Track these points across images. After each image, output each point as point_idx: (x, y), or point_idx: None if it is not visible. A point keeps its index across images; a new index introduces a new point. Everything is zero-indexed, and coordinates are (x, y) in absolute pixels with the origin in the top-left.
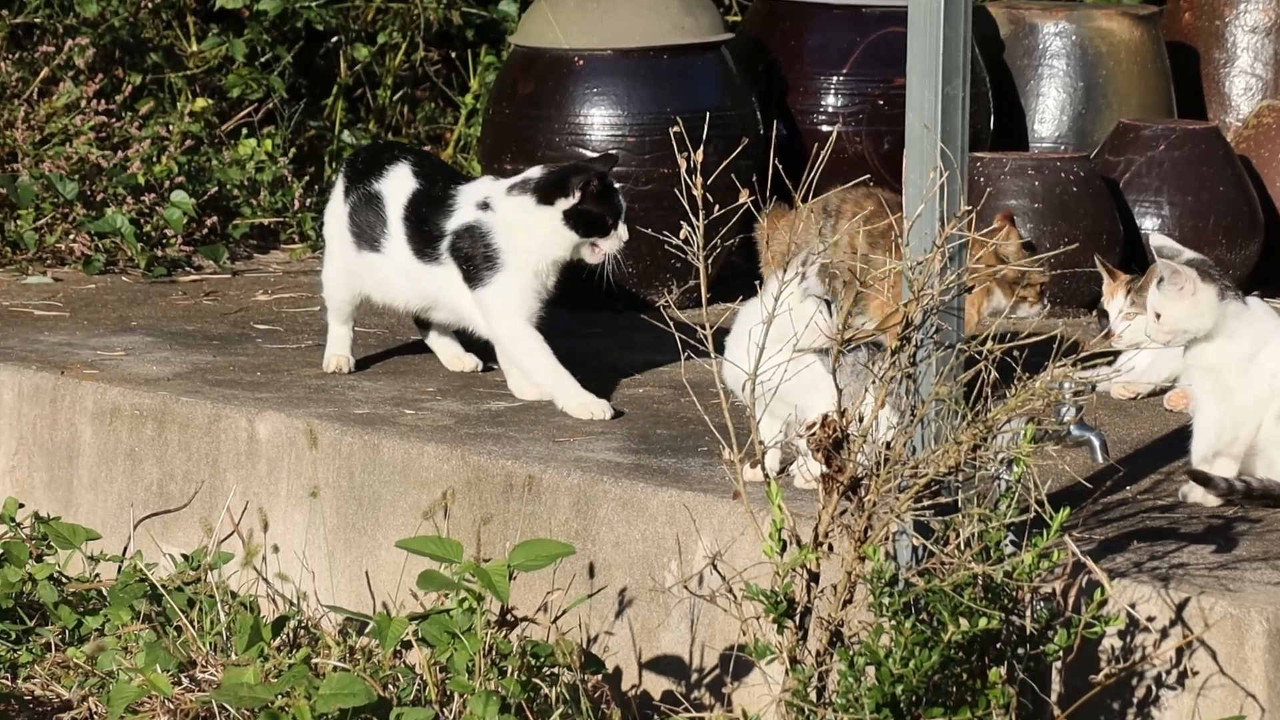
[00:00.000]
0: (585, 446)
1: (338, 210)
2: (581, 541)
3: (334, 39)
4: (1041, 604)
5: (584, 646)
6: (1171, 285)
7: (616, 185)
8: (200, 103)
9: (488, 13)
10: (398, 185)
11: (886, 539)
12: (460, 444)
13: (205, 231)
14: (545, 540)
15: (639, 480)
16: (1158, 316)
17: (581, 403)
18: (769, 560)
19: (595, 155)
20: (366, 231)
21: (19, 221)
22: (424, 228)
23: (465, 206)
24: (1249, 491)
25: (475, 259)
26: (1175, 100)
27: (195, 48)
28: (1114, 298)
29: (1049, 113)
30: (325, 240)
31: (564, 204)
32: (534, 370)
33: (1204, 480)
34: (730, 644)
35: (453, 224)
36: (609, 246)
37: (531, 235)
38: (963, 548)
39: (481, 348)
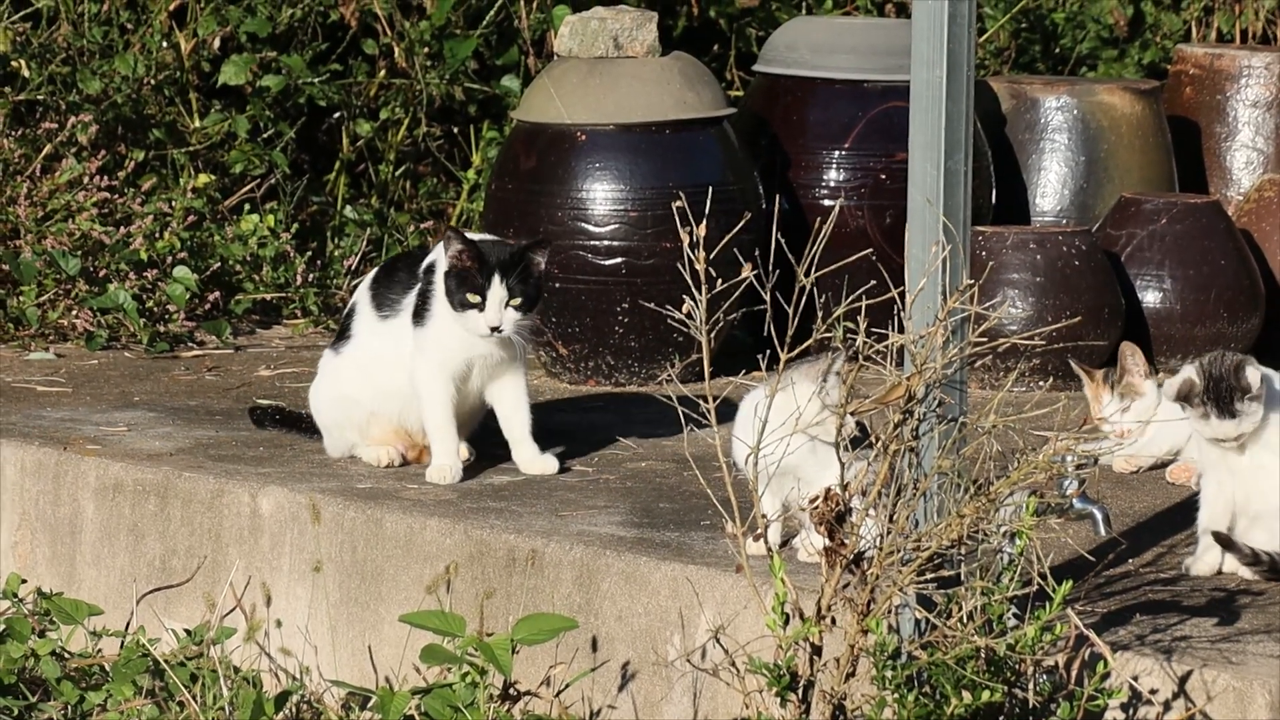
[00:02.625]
0: (588, 520)
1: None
2: (584, 615)
3: (336, 115)
4: (1044, 677)
5: None
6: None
7: (530, 262)
8: (203, 179)
9: (490, 88)
10: None
11: (889, 612)
12: (463, 518)
13: (208, 307)
14: (548, 614)
15: (642, 554)
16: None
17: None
18: (772, 633)
19: (597, 230)
20: None
21: (22, 297)
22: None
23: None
24: (1273, 562)
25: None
26: (1177, 174)
27: (198, 124)
28: (1100, 399)
29: (1050, 186)
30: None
31: (442, 266)
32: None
33: (1227, 544)
34: (733, 718)
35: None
36: (484, 319)
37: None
38: (965, 621)
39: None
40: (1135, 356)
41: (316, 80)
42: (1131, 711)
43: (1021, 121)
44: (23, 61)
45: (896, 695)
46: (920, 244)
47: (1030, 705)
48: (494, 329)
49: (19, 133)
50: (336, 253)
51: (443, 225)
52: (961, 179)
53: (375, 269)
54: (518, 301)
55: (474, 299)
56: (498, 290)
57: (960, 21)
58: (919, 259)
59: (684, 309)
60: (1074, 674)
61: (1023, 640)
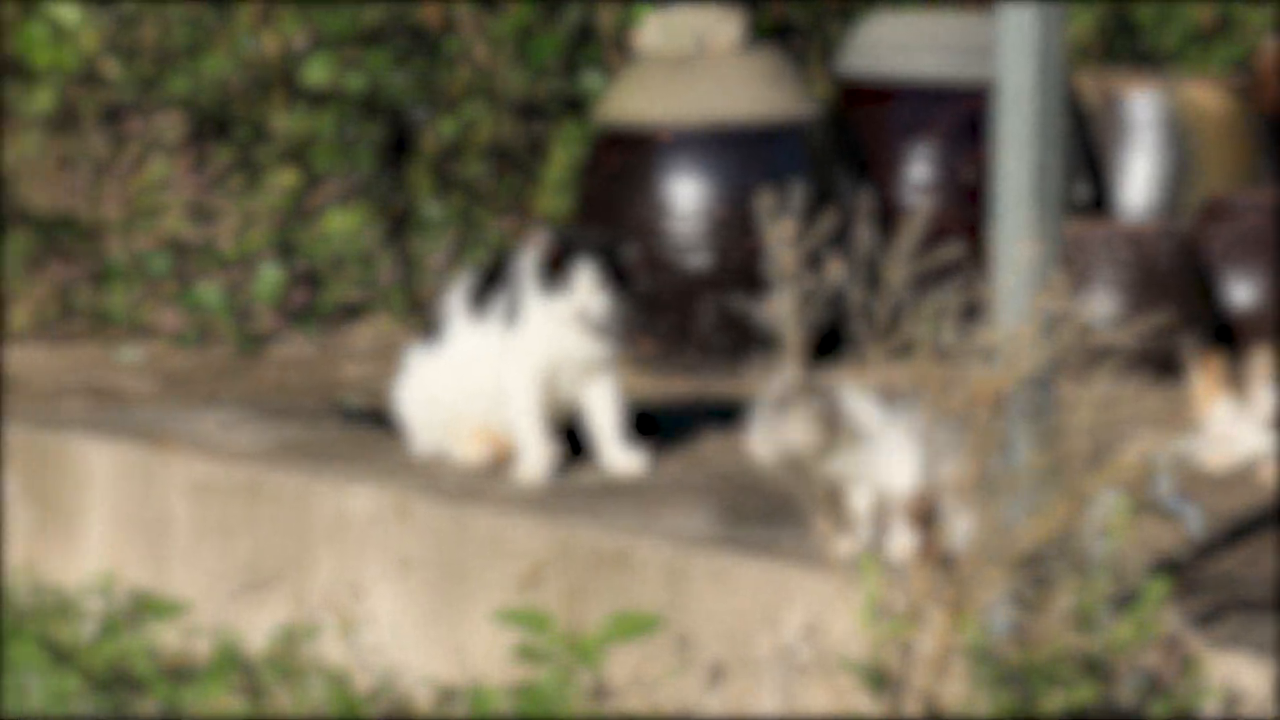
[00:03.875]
0: (675, 519)
1: None
2: (673, 613)
3: (419, 113)
4: (1138, 676)
5: (676, 718)
6: None
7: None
8: (288, 177)
9: (572, 86)
10: None
11: (981, 610)
12: (551, 517)
13: (294, 305)
14: (637, 612)
15: (730, 552)
16: None
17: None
18: (863, 632)
19: (681, 227)
20: None
21: (110, 297)
22: None
23: None
24: None
25: None
26: (1267, 171)
27: (283, 123)
28: (1211, 397)
29: (1138, 183)
30: None
31: (531, 264)
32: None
33: None
34: (823, 716)
35: None
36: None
37: None
38: (1059, 619)
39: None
40: (1265, 361)
41: (399, 79)
42: (1227, 711)
43: (1109, 117)
44: (111, 61)
45: (989, 694)
46: (1009, 241)
47: (1125, 705)
48: (585, 321)
49: (107, 133)
50: (421, 251)
51: (527, 223)
52: (1052, 176)
53: (466, 270)
54: (607, 295)
55: (563, 292)
56: (587, 282)
57: (1049, 16)
58: (1009, 256)
59: (769, 306)
60: (1168, 673)
61: (1117, 639)
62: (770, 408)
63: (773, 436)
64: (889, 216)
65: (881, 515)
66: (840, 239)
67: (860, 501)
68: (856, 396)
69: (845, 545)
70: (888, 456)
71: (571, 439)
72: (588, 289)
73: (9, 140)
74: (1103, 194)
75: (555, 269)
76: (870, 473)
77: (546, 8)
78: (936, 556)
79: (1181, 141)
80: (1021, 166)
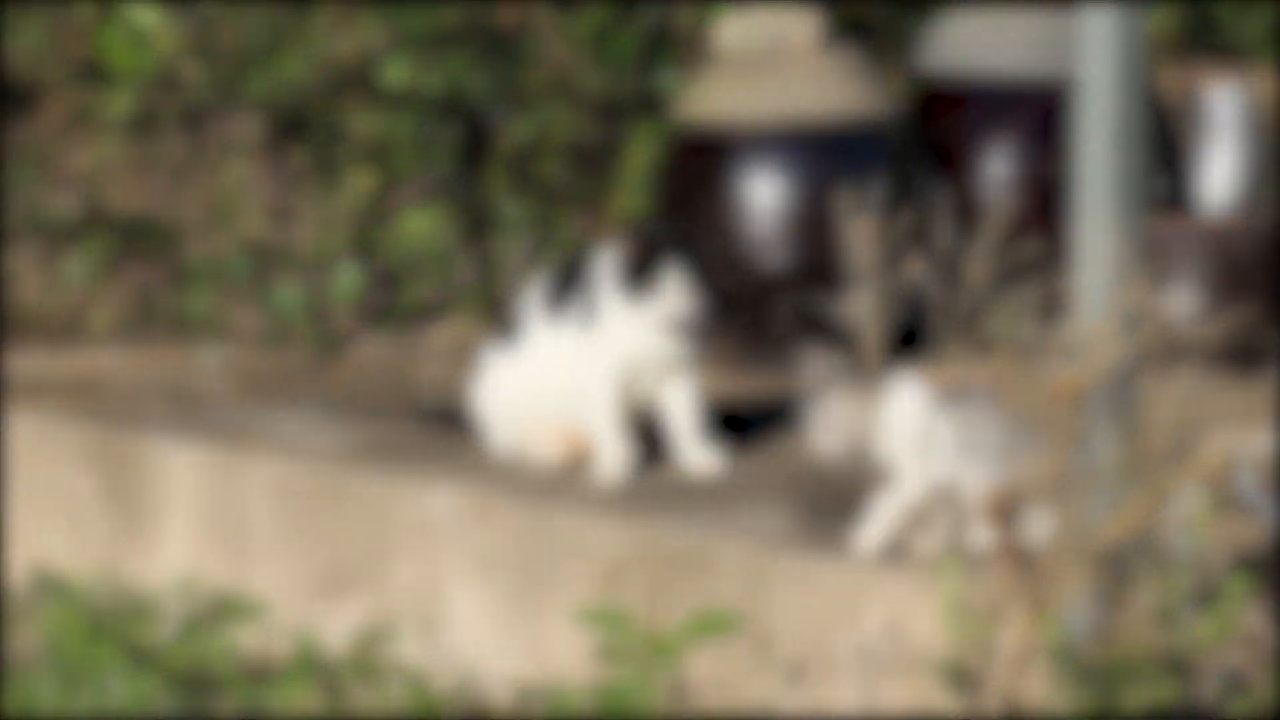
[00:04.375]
0: (754, 517)
1: None
2: (752, 611)
3: (497, 114)
4: (1220, 674)
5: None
6: None
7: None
8: (366, 178)
9: (650, 86)
10: None
11: (1062, 608)
12: (630, 516)
13: (373, 306)
14: (716, 611)
15: (809, 550)
16: None
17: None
18: (943, 630)
19: (757, 227)
20: None
21: (189, 298)
22: None
23: None
24: None
25: None
26: None
27: (361, 124)
28: None
29: (1218, 178)
30: None
31: (609, 264)
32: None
33: None
34: (903, 714)
35: None
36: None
37: None
38: (1140, 617)
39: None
40: None
41: (477, 79)
42: None
43: (1188, 113)
44: (190, 64)
45: (1071, 692)
46: (1090, 238)
47: (1206, 703)
48: (672, 323)
49: (186, 135)
50: (499, 251)
51: (604, 222)
52: (1132, 172)
53: (543, 269)
54: (692, 297)
55: (644, 292)
56: (674, 285)
57: (1130, 13)
58: (1089, 253)
59: (847, 304)
60: (1251, 671)
61: (1198, 637)
62: (829, 402)
63: (832, 431)
64: (968, 214)
65: (958, 512)
66: (919, 237)
67: (941, 498)
68: (915, 392)
69: (924, 543)
70: (954, 453)
71: (648, 437)
72: (674, 291)
73: (89, 144)
74: (1183, 189)
75: (635, 269)
76: (937, 469)
77: (624, 8)
78: (1016, 554)
79: (1261, 136)
80: (1102, 163)
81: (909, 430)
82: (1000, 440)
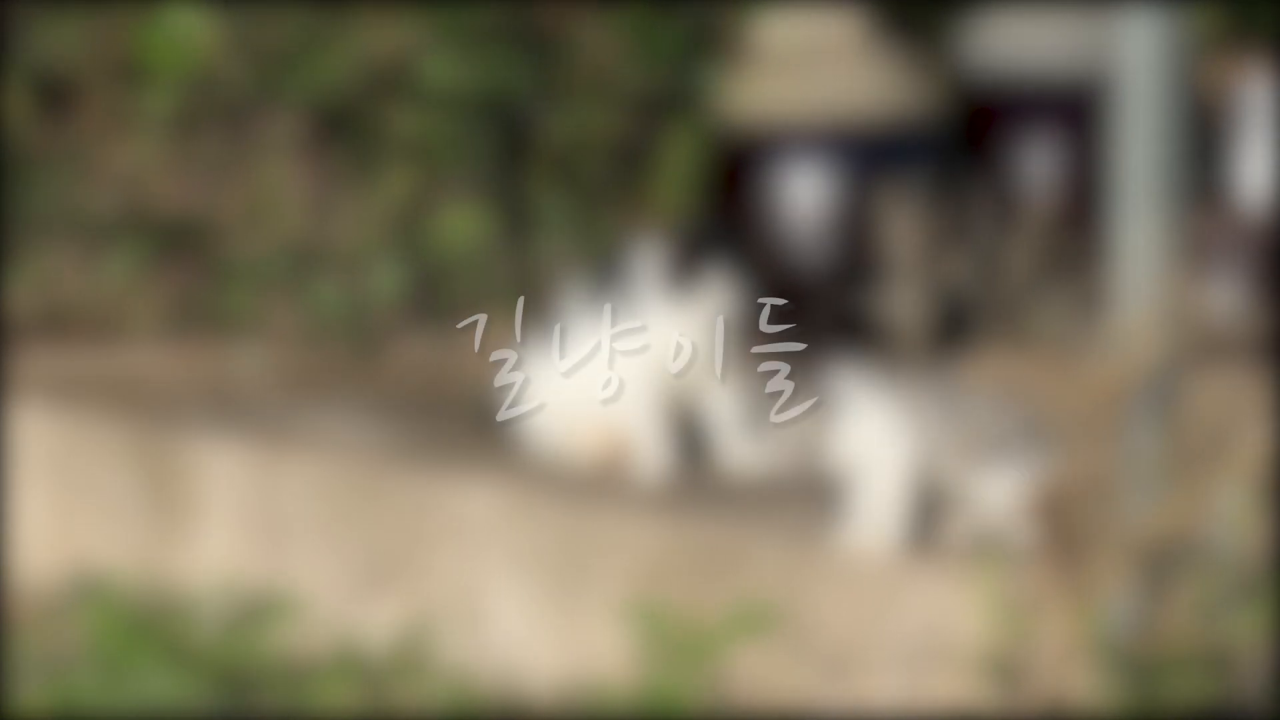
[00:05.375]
0: (794, 514)
1: None
2: (791, 606)
3: (538, 112)
4: (1263, 671)
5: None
6: None
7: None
8: (406, 176)
9: (691, 84)
10: None
11: (1104, 603)
12: (671, 513)
13: (413, 303)
14: (757, 606)
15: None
16: None
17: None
18: (984, 624)
19: (798, 226)
20: None
21: (229, 296)
22: None
23: None
24: None
25: None
26: None
27: (401, 122)
28: None
29: (1257, 173)
30: None
31: (649, 261)
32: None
33: None
34: (945, 708)
35: None
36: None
37: None
38: (1182, 612)
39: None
40: None
41: (518, 77)
42: None
43: (1226, 105)
44: (230, 62)
45: (1111, 687)
46: (1130, 233)
47: (1249, 699)
48: (716, 322)
49: (226, 133)
50: (539, 249)
51: (645, 220)
52: (1172, 168)
53: (585, 267)
54: (728, 291)
55: (687, 290)
56: (717, 284)
57: (1171, 10)
58: (1129, 248)
59: (889, 301)
60: None
61: (1241, 633)
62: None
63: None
64: (1008, 211)
65: (999, 508)
66: (960, 234)
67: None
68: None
69: (964, 536)
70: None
71: (688, 435)
72: (718, 290)
73: (129, 143)
74: (1222, 184)
75: (676, 267)
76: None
77: (665, 6)
78: (1058, 549)
79: None
80: (1141, 159)
81: (864, 425)
82: (998, 432)
